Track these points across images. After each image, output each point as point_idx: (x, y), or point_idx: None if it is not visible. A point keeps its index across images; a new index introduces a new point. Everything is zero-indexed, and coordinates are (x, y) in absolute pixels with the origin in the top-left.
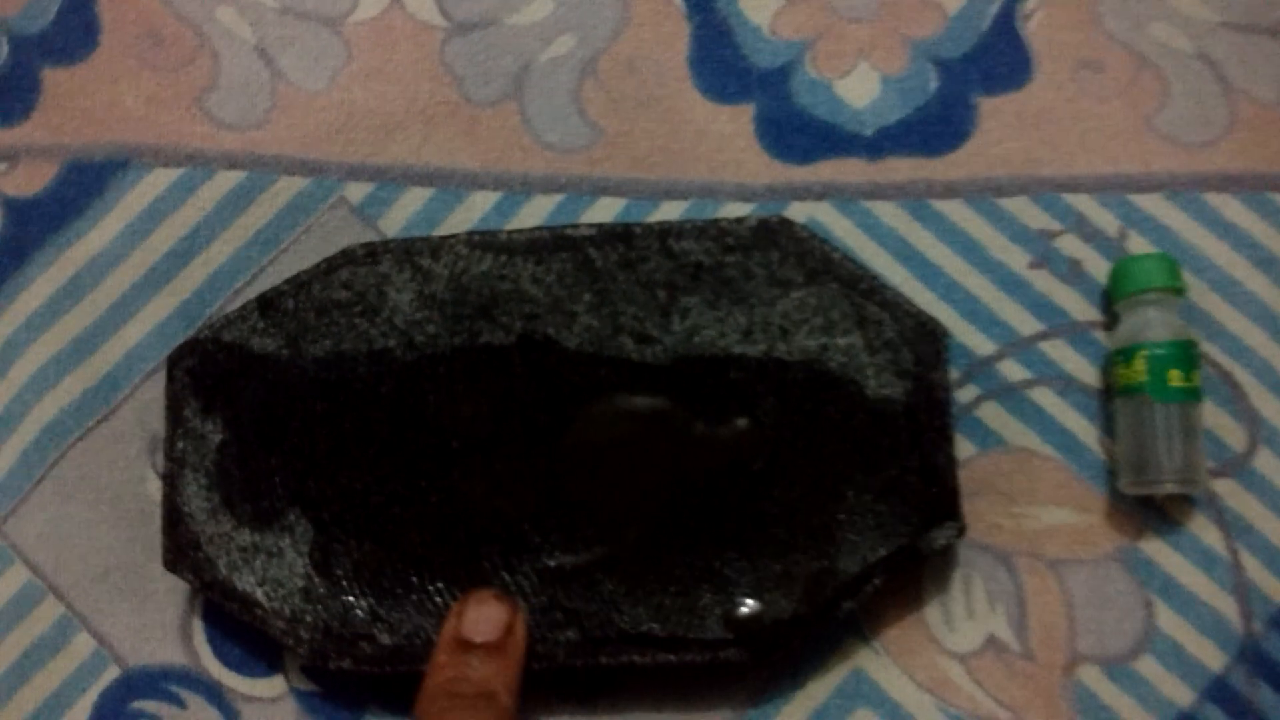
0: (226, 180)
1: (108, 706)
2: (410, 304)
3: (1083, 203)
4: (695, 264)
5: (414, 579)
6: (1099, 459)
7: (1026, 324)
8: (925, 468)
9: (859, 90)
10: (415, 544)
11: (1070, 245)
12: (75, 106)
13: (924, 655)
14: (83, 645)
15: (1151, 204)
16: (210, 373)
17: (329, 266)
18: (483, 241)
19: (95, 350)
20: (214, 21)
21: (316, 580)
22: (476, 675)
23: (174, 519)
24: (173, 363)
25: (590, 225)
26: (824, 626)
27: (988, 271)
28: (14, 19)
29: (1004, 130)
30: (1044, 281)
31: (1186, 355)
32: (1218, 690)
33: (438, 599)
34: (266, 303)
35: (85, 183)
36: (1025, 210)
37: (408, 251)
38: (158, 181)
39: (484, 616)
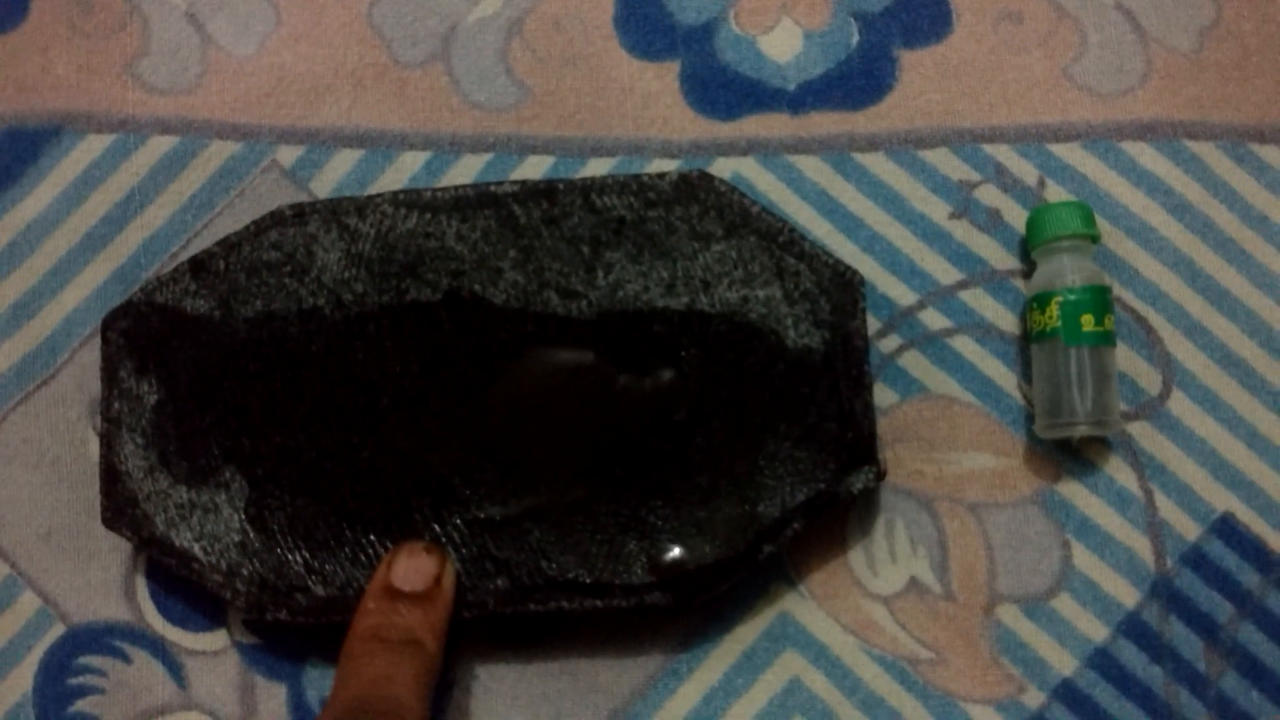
0: (159, 146)
1: (54, 662)
2: (338, 263)
3: (1002, 153)
4: (618, 219)
5: (347, 532)
6: (1018, 404)
7: (947, 273)
8: (843, 414)
9: (782, 45)
10: (347, 498)
11: (989, 195)
12: (6, 75)
13: (848, 598)
14: (27, 604)
15: (1069, 153)
16: (144, 334)
17: (258, 228)
18: (408, 200)
19: (33, 315)
20: None
21: (252, 535)
22: (403, 622)
23: (112, 478)
24: (107, 325)
25: (514, 182)
26: (746, 570)
27: (909, 223)
28: None
29: (925, 82)
30: (964, 231)
31: (1099, 300)
32: (1131, 626)
33: (370, 551)
34: (198, 265)
35: (18, 150)
36: (945, 161)
37: (334, 211)
38: (91, 148)
39: (413, 567)
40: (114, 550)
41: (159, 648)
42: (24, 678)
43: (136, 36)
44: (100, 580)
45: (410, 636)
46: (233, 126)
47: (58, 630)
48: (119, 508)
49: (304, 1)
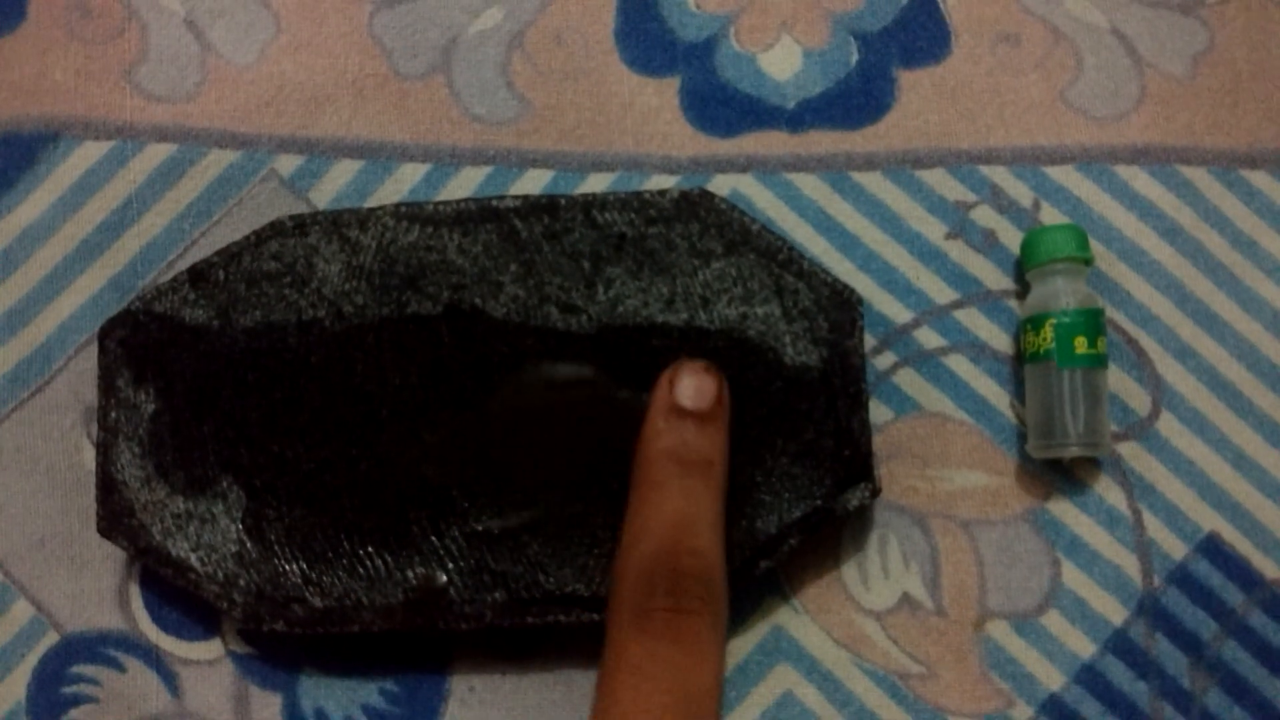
0: (157, 153)
1: (47, 671)
2: (339, 275)
3: (998, 174)
4: (619, 235)
5: (344, 543)
6: (1010, 423)
7: (942, 293)
8: (840, 431)
9: (782, 63)
10: (345, 509)
11: (985, 216)
12: (3, 80)
13: (841, 613)
14: (21, 612)
15: (1064, 175)
16: (142, 343)
17: (258, 238)
18: (409, 213)
19: (28, 323)
20: None
21: (249, 545)
22: (696, 442)
23: (108, 487)
24: (104, 334)
25: (515, 197)
26: (743, 585)
27: (905, 242)
28: None
29: (923, 103)
30: (959, 252)
31: (1092, 323)
32: (1118, 643)
33: (367, 563)
34: (197, 274)
35: (15, 156)
36: (942, 182)
37: (336, 223)
38: (88, 154)
39: (698, 386)
40: (108, 559)
41: (153, 657)
42: (17, 686)
43: (135, 43)
44: (94, 589)
45: (705, 457)
46: (231, 135)
47: (51, 639)
48: (115, 517)
49: (304, 11)
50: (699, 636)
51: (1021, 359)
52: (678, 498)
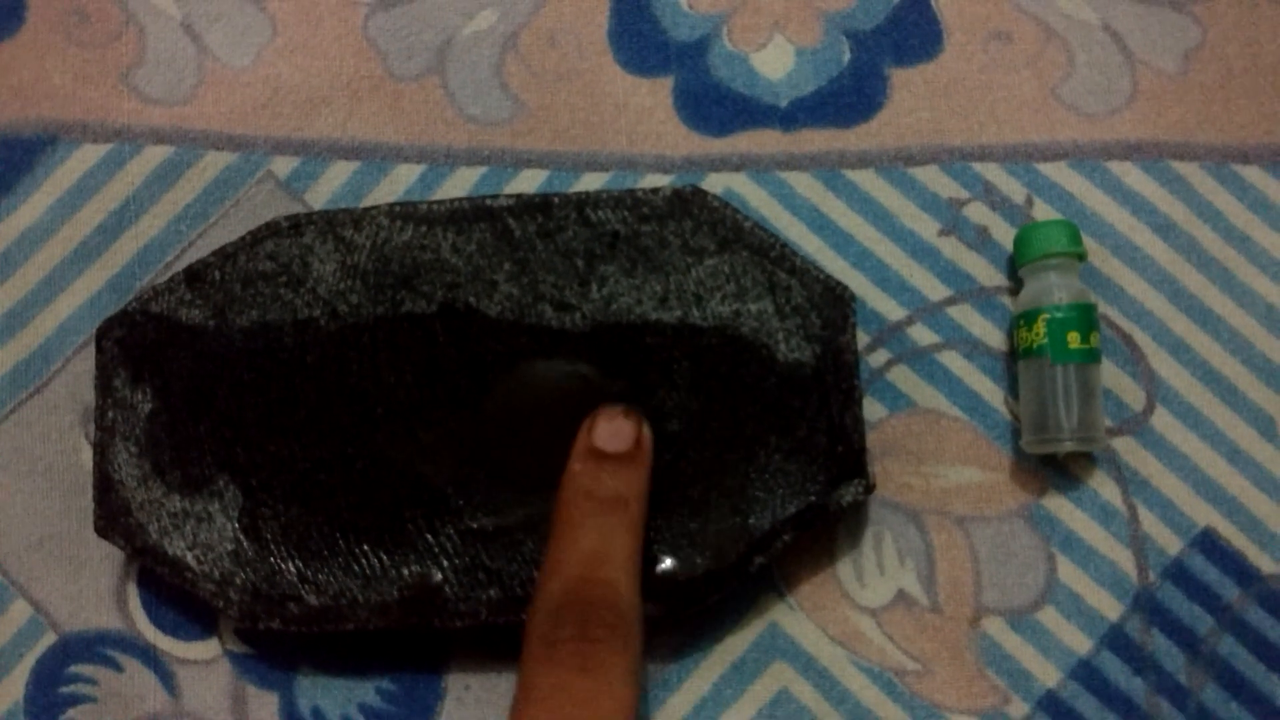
0: (154, 155)
1: (45, 671)
2: (334, 274)
3: (991, 171)
4: (612, 233)
5: (340, 542)
6: (1004, 419)
7: (935, 290)
8: (833, 428)
9: (774, 63)
10: (341, 508)
11: (978, 213)
12: (2, 83)
13: (837, 610)
14: (19, 612)
15: (1056, 172)
16: (139, 343)
17: (254, 238)
18: (404, 212)
19: (26, 324)
20: None
21: (245, 544)
22: (610, 482)
23: (105, 486)
24: (101, 334)
25: (509, 195)
26: (736, 581)
27: (898, 239)
28: None
29: (915, 101)
30: (952, 248)
31: (1085, 318)
32: (1114, 638)
33: (363, 561)
34: (193, 275)
35: (13, 159)
36: (935, 179)
37: (330, 223)
38: (86, 157)
39: (614, 429)
40: (106, 559)
41: (150, 656)
42: (15, 686)
43: (132, 46)
44: (92, 589)
45: (619, 495)
46: (228, 137)
47: (49, 639)
48: (112, 516)
49: (300, 14)
50: (607, 664)
51: (1015, 355)
52: (591, 534)
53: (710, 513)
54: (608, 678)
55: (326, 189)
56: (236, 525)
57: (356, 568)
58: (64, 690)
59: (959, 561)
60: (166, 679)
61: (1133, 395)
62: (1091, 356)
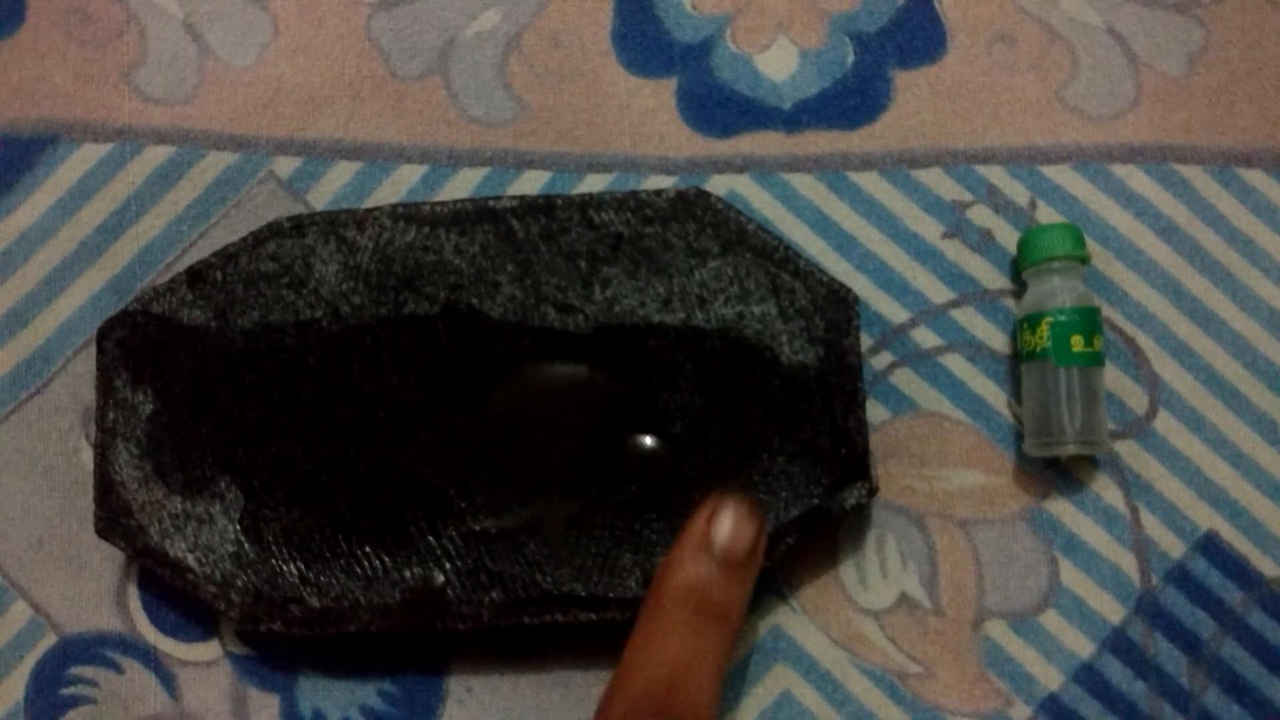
0: (155, 155)
1: (45, 673)
2: (336, 275)
3: (994, 174)
4: (615, 235)
5: (342, 544)
6: (1008, 422)
7: (939, 292)
8: (836, 430)
9: (778, 64)
10: (343, 510)
11: (981, 216)
12: (2, 82)
13: (839, 613)
14: (19, 613)
15: (1060, 175)
16: (140, 344)
17: (256, 239)
18: (407, 214)
19: (27, 324)
20: None
21: (247, 546)
22: (720, 592)
23: (105, 487)
24: (103, 335)
25: (512, 197)
26: None
27: (902, 242)
28: None
29: (919, 103)
30: (956, 251)
31: (1088, 321)
32: (1117, 642)
33: (365, 563)
34: (195, 275)
35: (14, 158)
36: (939, 182)
37: (333, 224)
38: (87, 157)
39: (736, 529)
40: (106, 560)
41: (151, 658)
42: (15, 688)
43: (134, 46)
44: (92, 590)
45: (724, 605)
46: (230, 137)
47: (49, 640)
48: (113, 518)
49: (302, 13)
50: None
51: (1018, 358)
52: (686, 638)
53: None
54: None
55: (329, 189)
56: (238, 527)
57: (358, 570)
58: (64, 692)
59: (961, 564)
60: (167, 681)
61: (1136, 399)
62: (1095, 360)
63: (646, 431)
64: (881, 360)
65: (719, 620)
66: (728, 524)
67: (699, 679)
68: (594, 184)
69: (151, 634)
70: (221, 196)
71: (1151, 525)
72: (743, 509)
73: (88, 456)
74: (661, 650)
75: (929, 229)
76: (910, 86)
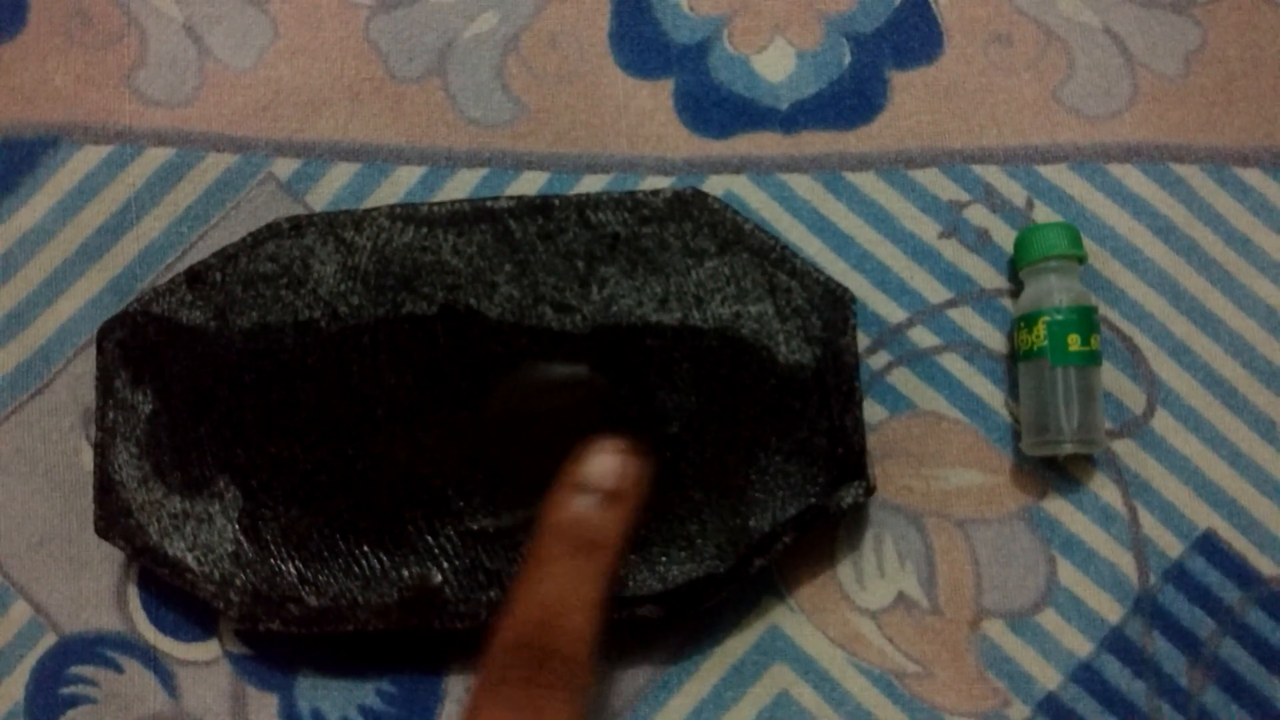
0: (156, 157)
1: (45, 672)
2: (334, 276)
3: (991, 174)
4: (613, 235)
5: (340, 543)
6: (1005, 422)
7: (936, 292)
8: (833, 430)
9: (775, 65)
10: (341, 509)
11: (978, 215)
12: (4, 85)
13: (837, 612)
14: (20, 613)
15: (1057, 174)
16: (140, 345)
17: (255, 240)
18: (405, 214)
19: (28, 325)
20: (141, 0)
21: (245, 545)
22: (595, 522)
23: (105, 487)
24: (103, 335)
25: (510, 197)
26: (737, 583)
27: (899, 241)
28: None
29: (915, 103)
30: (953, 251)
31: (1085, 321)
32: (1115, 641)
33: (363, 562)
34: (194, 276)
35: (15, 160)
36: (935, 181)
37: (331, 224)
38: (88, 159)
39: (603, 466)
40: (106, 560)
41: (150, 658)
42: (15, 687)
43: (134, 48)
44: (92, 590)
45: (598, 539)
46: (229, 139)
47: (49, 640)
48: (112, 517)
49: (301, 15)
50: (549, 712)
51: (1015, 357)
52: (559, 576)
53: (710, 515)
54: None
55: (327, 191)
56: (237, 526)
57: (357, 569)
58: (64, 691)
59: (959, 564)
60: (166, 680)
61: (1133, 398)
62: (1092, 359)
63: (643, 431)
64: (878, 360)
65: (593, 551)
66: (597, 459)
67: (573, 613)
68: (591, 185)
69: (151, 633)
70: (221, 198)
71: (1150, 524)
72: (613, 445)
73: (88, 457)
74: (537, 589)
75: (926, 229)
76: (907, 87)
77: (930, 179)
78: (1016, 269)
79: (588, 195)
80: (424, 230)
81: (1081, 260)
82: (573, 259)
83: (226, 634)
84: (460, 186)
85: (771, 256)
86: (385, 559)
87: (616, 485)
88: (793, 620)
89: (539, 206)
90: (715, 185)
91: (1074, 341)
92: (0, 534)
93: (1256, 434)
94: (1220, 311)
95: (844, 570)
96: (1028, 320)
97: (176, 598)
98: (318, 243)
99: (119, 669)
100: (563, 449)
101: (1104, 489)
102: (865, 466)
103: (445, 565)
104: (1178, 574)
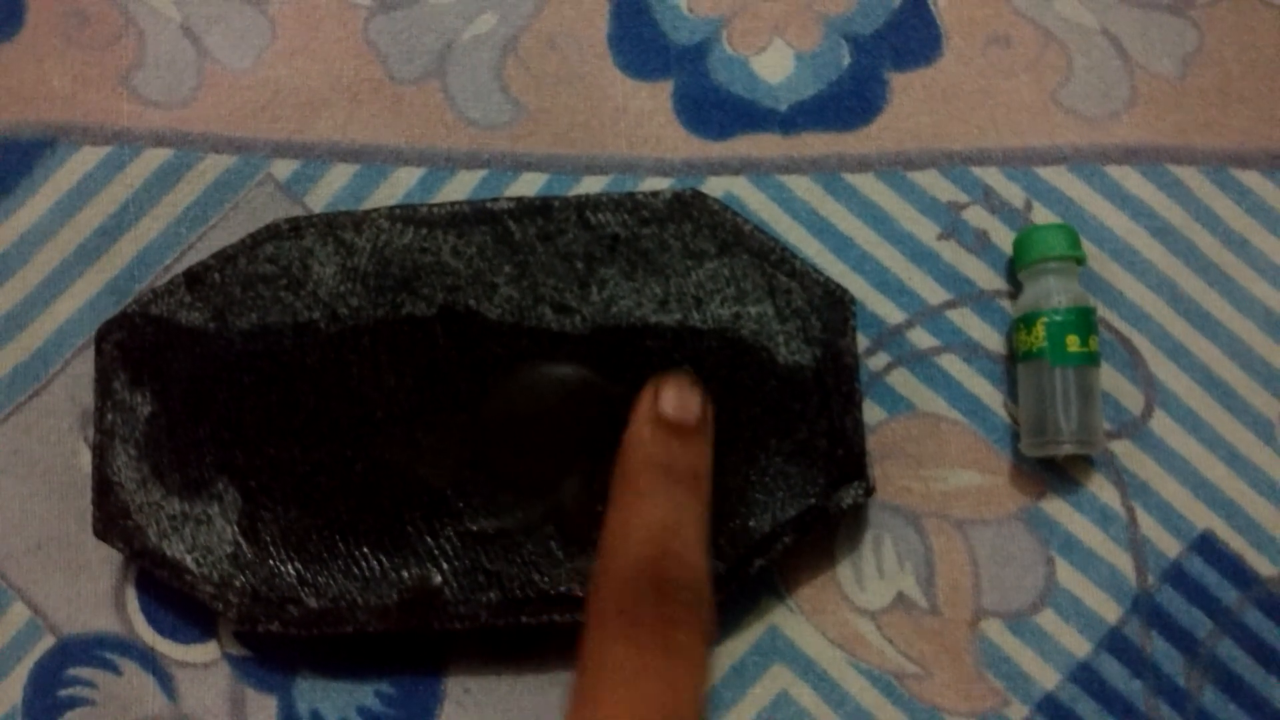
0: (154, 158)
1: (43, 674)
2: (334, 277)
3: (990, 175)
4: (612, 236)
5: (339, 544)
6: (1004, 423)
7: (935, 293)
8: (833, 430)
9: (774, 67)
10: (340, 510)
11: (977, 217)
12: (1, 85)
13: (836, 613)
14: (18, 615)
15: (1055, 176)
16: (138, 346)
17: (254, 241)
18: (404, 215)
19: (25, 327)
20: (139, 0)
21: (245, 546)
22: (682, 455)
23: (104, 489)
24: (101, 336)
25: (509, 198)
26: (736, 583)
27: (898, 243)
28: None
29: (914, 105)
30: (952, 252)
31: (1084, 321)
32: (1113, 641)
33: (362, 563)
34: (193, 277)
35: (12, 161)
36: (934, 183)
37: (331, 225)
38: (85, 159)
39: (682, 399)
40: (104, 561)
41: (149, 659)
42: (13, 689)
43: (132, 49)
44: (90, 591)
45: (691, 469)
46: (228, 140)
47: (48, 641)
48: (111, 519)
49: (300, 16)
50: (689, 649)
51: (1014, 358)
52: (665, 506)
53: (710, 515)
54: (691, 664)
55: (326, 192)
56: (236, 528)
57: (356, 570)
58: (62, 693)
59: (958, 564)
60: (165, 682)
61: (1131, 399)
62: (1090, 360)
63: None
64: (878, 361)
65: (692, 483)
66: (673, 394)
67: (686, 541)
68: (590, 186)
69: (149, 635)
70: (220, 199)
71: (1148, 525)
72: (684, 379)
73: (86, 458)
74: (646, 520)
75: (925, 230)
76: (906, 88)
77: (929, 180)
78: (1015, 270)
79: (587, 196)
80: (423, 231)
81: (1080, 261)
82: (572, 260)
83: (225, 636)
84: (459, 188)
85: (771, 258)
86: (385, 560)
87: (700, 415)
88: (792, 621)
89: (538, 208)
90: (714, 187)
91: (1073, 342)
92: None
93: (1254, 435)
94: (1218, 313)
95: (843, 571)
96: (1027, 321)
97: (175, 599)
98: (317, 244)
99: (117, 671)
100: (563, 450)
101: (1102, 490)
102: (865, 467)
103: (445, 566)
104: (1176, 574)
